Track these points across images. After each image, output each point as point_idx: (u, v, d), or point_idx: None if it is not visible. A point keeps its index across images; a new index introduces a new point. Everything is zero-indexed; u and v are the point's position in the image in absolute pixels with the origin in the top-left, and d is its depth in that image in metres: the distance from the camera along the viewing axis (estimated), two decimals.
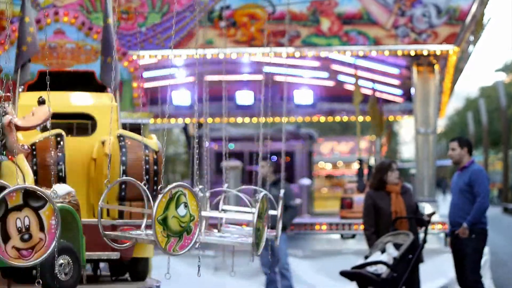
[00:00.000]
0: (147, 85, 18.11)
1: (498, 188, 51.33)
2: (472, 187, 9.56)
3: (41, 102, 6.23)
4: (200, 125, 22.35)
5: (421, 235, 9.52)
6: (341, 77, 21.53)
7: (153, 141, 7.60)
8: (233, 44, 15.30)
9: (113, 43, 7.60)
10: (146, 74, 18.15)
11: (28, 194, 4.82)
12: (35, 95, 6.51)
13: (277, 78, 21.40)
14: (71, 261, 6.18)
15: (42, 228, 4.86)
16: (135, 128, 11.70)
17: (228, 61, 16.77)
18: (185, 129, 24.80)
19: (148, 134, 12.34)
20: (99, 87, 8.12)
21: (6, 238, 4.74)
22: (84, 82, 8.10)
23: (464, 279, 9.65)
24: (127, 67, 13.36)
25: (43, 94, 6.03)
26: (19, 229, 4.78)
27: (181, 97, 20.70)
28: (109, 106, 7.24)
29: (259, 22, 15.33)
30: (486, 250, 12.64)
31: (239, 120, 22.41)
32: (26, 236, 4.81)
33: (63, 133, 7.37)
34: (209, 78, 19.54)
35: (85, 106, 7.79)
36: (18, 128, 6.07)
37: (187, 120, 22.13)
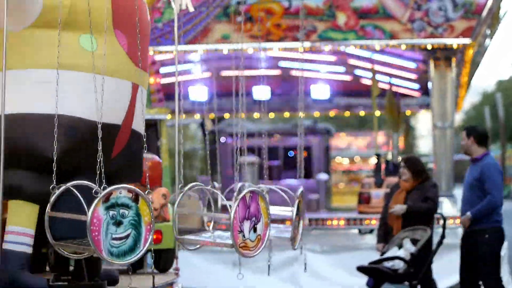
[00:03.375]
0: (164, 81, 18.14)
1: None
2: (483, 182, 8.62)
3: None
4: (216, 121, 22.33)
5: (439, 230, 9.48)
6: (357, 72, 21.49)
7: None
8: (249, 39, 15.28)
9: None
10: (162, 70, 18.17)
11: None
12: None
13: (294, 73, 21.43)
14: None
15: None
16: (152, 124, 11.73)
17: (245, 56, 16.74)
18: (202, 124, 24.79)
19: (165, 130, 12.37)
20: None
21: None
22: None
23: (474, 283, 8.73)
24: None
25: None
26: None
27: (198, 93, 20.68)
28: None
29: (275, 16, 15.32)
30: (504, 245, 12.56)
31: (256, 115, 22.36)
32: None
33: None
34: (225, 73, 19.73)
35: None
36: None
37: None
